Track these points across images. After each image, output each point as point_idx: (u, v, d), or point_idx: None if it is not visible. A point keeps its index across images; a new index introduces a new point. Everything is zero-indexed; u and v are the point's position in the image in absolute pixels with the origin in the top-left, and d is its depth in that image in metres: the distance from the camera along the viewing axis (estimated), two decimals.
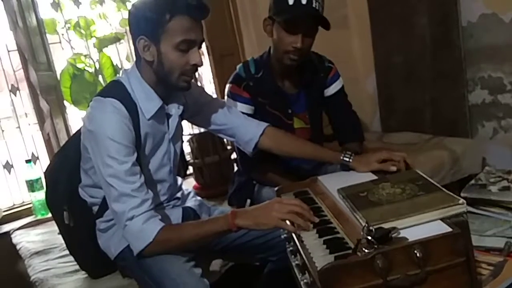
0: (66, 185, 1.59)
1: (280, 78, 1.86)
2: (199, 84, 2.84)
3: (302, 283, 1.12)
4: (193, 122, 1.75)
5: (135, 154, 1.38)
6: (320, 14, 1.71)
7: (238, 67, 1.88)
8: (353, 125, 1.98)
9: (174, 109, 1.52)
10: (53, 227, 2.17)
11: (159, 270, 1.38)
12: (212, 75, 2.89)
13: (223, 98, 1.92)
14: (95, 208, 1.55)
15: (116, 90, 1.44)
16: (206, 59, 2.90)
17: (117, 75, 2.61)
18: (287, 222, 1.26)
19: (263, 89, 1.83)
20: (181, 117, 1.58)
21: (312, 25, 1.72)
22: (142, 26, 1.37)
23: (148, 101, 1.44)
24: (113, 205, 1.36)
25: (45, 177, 1.68)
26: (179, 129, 1.58)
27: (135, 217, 1.33)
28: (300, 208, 1.27)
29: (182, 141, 1.69)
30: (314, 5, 1.68)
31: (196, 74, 2.95)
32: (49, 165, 1.69)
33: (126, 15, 2.68)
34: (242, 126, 1.68)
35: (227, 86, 1.87)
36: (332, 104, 1.94)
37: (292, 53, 1.73)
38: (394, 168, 1.46)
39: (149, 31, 1.36)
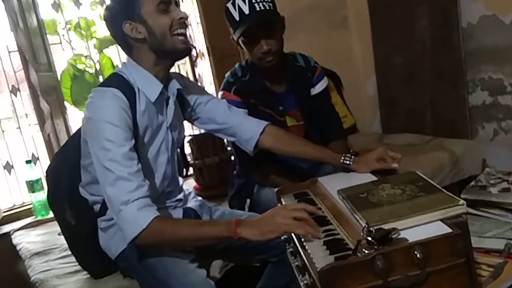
0: (67, 184, 1.58)
1: (267, 78, 1.89)
2: (199, 84, 2.85)
3: (302, 284, 1.12)
4: (193, 123, 1.75)
5: (133, 140, 1.38)
6: (267, 15, 1.73)
7: (226, 74, 1.93)
8: (336, 124, 2.02)
9: (171, 96, 1.53)
10: (53, 227, 2.18)
11: (163, 270, 1.37)
12: (213, 76, 2.89)
13: None
14: (97, 207, 1.55)
15: (115, 80, 1.46)
16: (206, 60, 2.90)
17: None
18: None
19: (252, 90, 1.86)
20: (178, 104, 1.57)
21: (266, 26, 1.74)
22: (120, 14, 1.42)
23: (149, 85, 1.46)
24: (108, 190, 1.33)
25: (46, 177, 1.68)
26: (176, 117, 1.57)
27: (130, 202, 1.30)
28: (305, 213, 1.23)
29: (184, 136, 1.69)
30: (258, 9, 1.72)
31: (197, 75, 2.96)
32: (50, 164, 1.69)
33: None
34: (242, 124, 1.68)
35: (219, 94, 1.91)
36: (318, 103, 1.96)
37: (265, 57, 1.78)
38: (396, 165, 1.46)
39: (129, 13, 1.41)
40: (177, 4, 1.45)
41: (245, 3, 1.72)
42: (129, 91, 1.42)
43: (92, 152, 1.38)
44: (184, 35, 1.45)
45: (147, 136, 1.47)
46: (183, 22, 1.44)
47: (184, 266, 1.37)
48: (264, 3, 1.73)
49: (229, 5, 1.76)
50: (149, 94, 1.45)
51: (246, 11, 1.72)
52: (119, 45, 1.52)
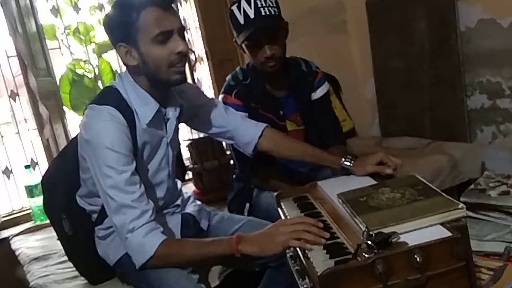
0: (63, 192, 1.58)
1: (268, 82, 1.89)
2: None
3: None
4: (191, 126, 1.74)
5: (134, 163, 1.36)
6: (272, 20, 1.74)
7: (227, 77, 1.92)
8: (336, 129, 2.02)
9: (171, 112, 1.50)
10: (52, 232, 2.15)
11: (156, 276, 1.37)
12: (211, 80, 2.89)
13: None
14: (94, 216, 1.54)
15: (111, 96, 1.41)
16: (205, 64, 2.91)
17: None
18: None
19: (253, 93, 1.86)
20: (179, 120, 1.55)
21: (270, 31, 1.74)
22: (116, 33, 1.36)
23: (144, 106, 1.41)
24: (113, 218, 1.34)
25: (42, 184, 1.67)
26: (177, 132, 1.57)
27: (135, 229, 1.31)
28: (306, 225, 1.22)
29: (179, 144, 1.68)
30: (263, 13, 1.72)
31: (196, 79, 2.96)
32: (46, 172, 1.68)
33: None
34: (241, 127, 1.67)
35: (220, 97, 1.91)
36: (318, 108, 1.96)
37: (267, 62, 1.77)
38: (390, 171, 1.46)
39: (125, 36, 1.34)
40: (181, 34, 1.37)
41: (250, 7, 1.71)
42: (126, 109, 1.38)
43: (94, 175, 1.37)
44: (182, 68, 1.39)
45: (146, 152, 1.46)
46: (182, 57, 1.36)
47: (176, 272, 1.37)
48: (270, 8, 1.73)
49: (234, 8, 1.76)
50: (143, 116, 1.41)
51: (252, 15, 1.72)
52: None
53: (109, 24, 1.38)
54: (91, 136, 1.34)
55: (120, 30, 1.34)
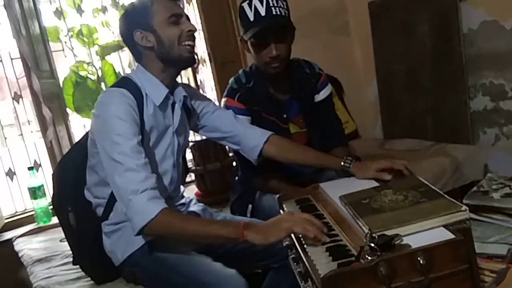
0: (72, 186, 1.61)
1: (271, 85, 1.88)
2: (201, 91, 2.85)
3: None
4: (198, 131, 1.77)
5: (140, 136, 1.42)
6: (282, 20, 1.75)
7: (230, 80, 1.93)
8: (339, 131, 2.02)
9: (177, 102, 1.57)
10: (55, 234, 2.19)
11: (189, 266, 1.39)
12: (214, 82, 2.89)
13: None
14: (100, 210, 1.56)
15: (124, 82, 1.51)
16: (207, 66, 2.91)
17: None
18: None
19: (256, 97, 1.86)
20: (186, 112, 1.62)
21: (279, 31, 1.75)
22: (134, 23, 1.49)
23: (155, 89, 1.51)
24: (116, 180, 1.36)
25: (52, 178, 1.70)
26: (182, 122, 1.60)
27: (139, 192, 1.33)
28: (311, 222, 1.23)
29: (188, 142, 1.72)
30: (274, 13, 1.73)
31: (198, 81, 2.96)
32: (56, 166, 1.72)
33: None
34: (247, 133, 1.71)
35: (223, 100, 1.91)
36: (321, 110, 1.96)
37: (272, 62, 1.77)
38: (388, 177, 1.46)
39: (141, 22, 1.48)
40: (188, 19, 1.52)
41: (262, 5, 1.73)
42: (137, 93, 1.47)
43: (101, 147, 1.41)
44: (192, 46, 1.51)
45: (152, 138, 1.50)
46: (191, 34, 1.51)
47: (210, 263, 1.40)
48: (281, 9, 1.74)
49: (245, 5, 1.77)
50: (155, 97, 1.50)
51: (263, 13, 1.73)
52: (129, 50, 1.58)
53: (128, 18, 1.53)
54: (100, 110, 1.43)
55: (138, 18, 1.49)
